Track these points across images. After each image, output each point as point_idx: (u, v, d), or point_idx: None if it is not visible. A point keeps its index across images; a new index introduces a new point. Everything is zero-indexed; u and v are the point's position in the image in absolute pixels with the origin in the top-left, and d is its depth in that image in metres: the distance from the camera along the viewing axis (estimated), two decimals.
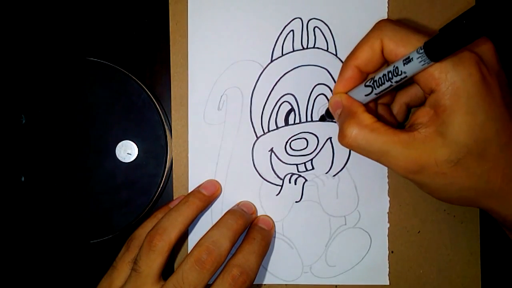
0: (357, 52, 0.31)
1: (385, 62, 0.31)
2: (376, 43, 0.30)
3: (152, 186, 0.36)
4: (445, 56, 0.26)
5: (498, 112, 0.28)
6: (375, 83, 0.30)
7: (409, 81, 0.30)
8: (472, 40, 0.24)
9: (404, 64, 0.27)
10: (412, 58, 0.27)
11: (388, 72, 0.29)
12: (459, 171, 0.28)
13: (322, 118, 0.37)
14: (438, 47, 0.25)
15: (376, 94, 0.30)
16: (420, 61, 0.26)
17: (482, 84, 0.27)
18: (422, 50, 0.26)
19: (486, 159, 0.28)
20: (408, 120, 0.36)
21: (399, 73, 0.28)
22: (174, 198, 0.37)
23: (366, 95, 0.31)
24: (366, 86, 0.31)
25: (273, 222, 0.37)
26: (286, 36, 0.37)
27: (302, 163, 0.37)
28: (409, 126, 0.30)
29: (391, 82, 0.29)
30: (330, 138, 0.37)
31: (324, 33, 0.37)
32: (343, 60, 0.37)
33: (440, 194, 0.30)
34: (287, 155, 0.37)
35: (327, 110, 0.35)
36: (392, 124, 0.34)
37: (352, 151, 0.37)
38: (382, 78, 0.29)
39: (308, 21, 0.37)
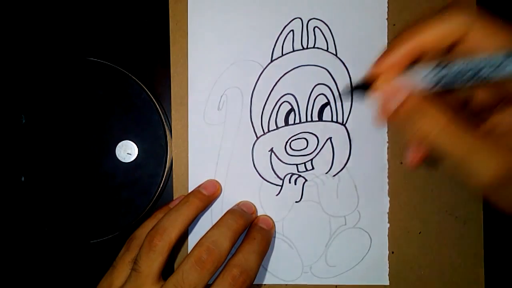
0: (434, 28, 0.25)
1: (448, 52, 0.26)
2: (461, 28, 0.25)
3: (152, 186, 0.36)
4: None
5: None
6: (443, 79, 0.25)
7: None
8: None
9: (494, 69, 0.23)
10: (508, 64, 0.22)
11: (469, 71, 0.24)
12: None
13: (349, 90, 0.33)
14: None
15: (433, 89, 0.26)
16: None
17: None
18: None
19: None
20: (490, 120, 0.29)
21: (486, 77, 0.23)
22: (174, 198, 0.37)
23: (422, 84, 0.26)
24: (430, 79, 0.25)
25: (273, 222, 0.37)
26: (286, 36, 0.37)
27: (302, 163, 0.37)
28: (492, 128, 0.26)
29: (465, 82, 0.24)
30: (330, 138, 0.37)
31: (324, 33, 0.37)
32: (343, 60, 0.37)
33: None
34: (287, 155, 0.37)
35: (364, 83, 0.27)
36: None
37: (352, 151, 0.37)
38: (457, 76, 0.24)
39: (308, 21, 0.37)
